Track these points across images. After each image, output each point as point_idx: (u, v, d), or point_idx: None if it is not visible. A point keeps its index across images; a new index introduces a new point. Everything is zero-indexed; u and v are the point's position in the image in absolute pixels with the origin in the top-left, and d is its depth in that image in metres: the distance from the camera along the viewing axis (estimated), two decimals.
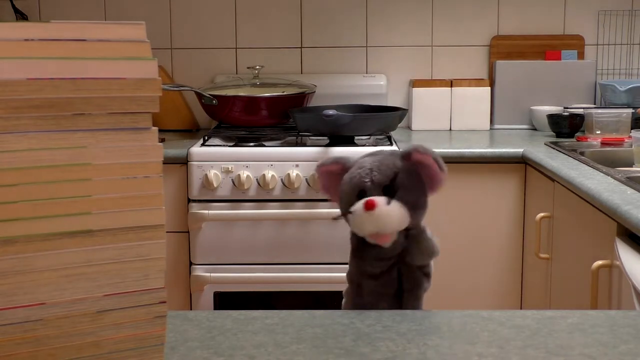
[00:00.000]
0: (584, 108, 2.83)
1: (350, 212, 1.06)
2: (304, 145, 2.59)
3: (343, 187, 1.10)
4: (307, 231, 2.50)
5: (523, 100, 3.09)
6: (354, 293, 1.13)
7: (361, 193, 1.07)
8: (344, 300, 1.17)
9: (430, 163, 1.07)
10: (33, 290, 0.70)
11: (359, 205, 1.05)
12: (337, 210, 1.14)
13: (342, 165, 1.13)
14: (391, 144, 2.57)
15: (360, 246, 1.10)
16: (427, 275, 1.12)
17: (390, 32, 3.16)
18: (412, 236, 1.08)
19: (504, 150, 2.55)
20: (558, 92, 3.08)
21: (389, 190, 1.06)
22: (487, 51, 3.17)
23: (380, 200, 1.04)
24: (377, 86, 3.11)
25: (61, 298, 0.71)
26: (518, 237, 2.58)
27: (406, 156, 1.09)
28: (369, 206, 1.04)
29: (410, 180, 1.08)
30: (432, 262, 1.13)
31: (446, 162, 1.10)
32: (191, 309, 2.53)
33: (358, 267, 1.11)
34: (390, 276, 1.09)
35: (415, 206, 1.07)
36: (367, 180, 1.07)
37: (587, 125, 2.70)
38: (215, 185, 2.45)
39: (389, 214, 1.04)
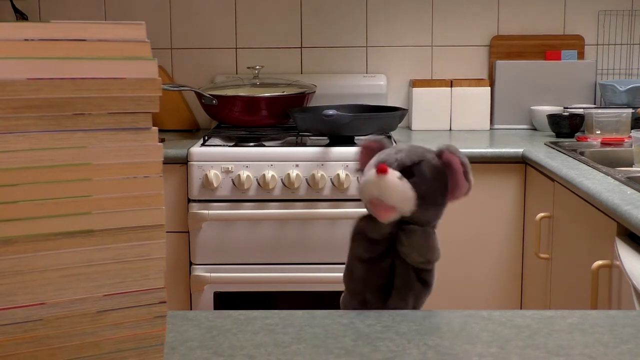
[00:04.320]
0: (584, 108, 2.83)
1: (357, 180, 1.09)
2: (304, 145, 2.59)
3: (371, 161, 1.11)
4: (307, 231, 2.50)
5: (523, 100, 3.09)
6: (347, 277, 1.13)
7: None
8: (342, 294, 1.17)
9: (456, 166, 1.07)
10: (33, 290, 0.70)
11: (372, 170, 1.07)
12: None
13: (381, 144, 1.14)
14: (390, 143, 2.56)
15: (358, 229, 1.10)
16: (425, 282, 1.09)
17: (390, 32, 3.16)
18: (410, 230, 1.07)
19: (504, 150, 2.55)
20: (558, 92, 3.08)
21: (407, 172, 1.07)
22: (487, 51, 3.17)
23: (392, 171, 1.06)
24: (377, 86, 3.11)
25: (61, 298, 0.71)
26: (518, 237, 2.58)
27: (439, 154, 1.09)
28: (380, 170, 1.05)
29: (432, 173, 1.07)
30: (435, 272, 1.11)
31: None
32: (191, 309, 2.53)
33: (351, 249, 1.12)
34: (379, 265, 1.08)
35: (426, 199, 1.06)
36: (392, 156, 1.09)
37: (587, 125, 2.70)
38: (215, 185, 2.45)
39: (395, 185, 1.05)
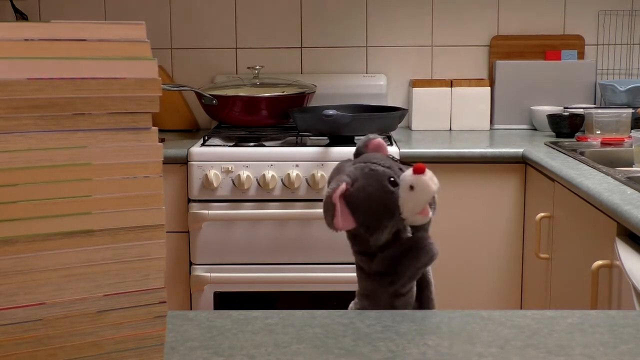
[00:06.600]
0: (584, 108, 2.83)
1: (411, 188, 1.04)
2: (304, 145, 2.59)
3: (369, 191, 1.06)
4: (307, 231, 2.50)
5: (523, 100, 3.09)
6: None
7: (391, 180, 1.07)
8: None
9: (382, 142, 1.15)
10: (33, 290, 0.70)
11: (409, 176, 1.05)
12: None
13: (351, 180, 1.08)
14: (391, 144, 2.57)
15: (390, 270, 1.08)
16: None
17: (390, 32, 3.16)
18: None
19: (504, 150, 2.55)
20: (558, 92, 3.08)
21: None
22: (487, 51, 3.17)
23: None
24: (377, 86, 3.11)
25: (61, 298, 0.71)
26: (518, 237, 2.58)
27: (363, 147, 1.14)
28: (421, 168, 1.04)
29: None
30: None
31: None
32: (191, 309, 2.53)
33: (389, 291, 1.08)
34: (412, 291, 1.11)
35: None
36: (388, 168, 1.08)
37: (587, 125, 2.70)
38: (215, 185, 2.45)
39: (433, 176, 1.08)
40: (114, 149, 0.72)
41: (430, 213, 1.07)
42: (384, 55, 3.17)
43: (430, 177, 1.04)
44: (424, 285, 1.12)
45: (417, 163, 1.06)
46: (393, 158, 1.12)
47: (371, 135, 1.14)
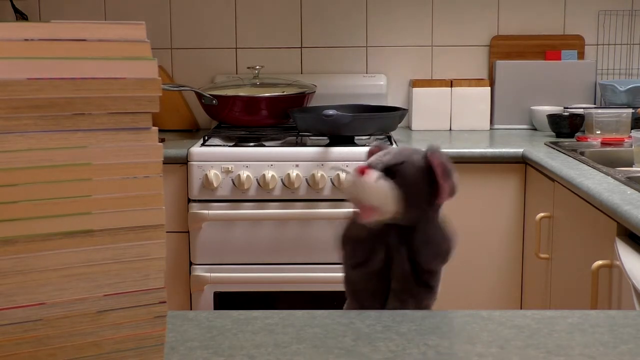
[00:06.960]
0: (584, 108, 2.83)
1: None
2: (304, 145, 2.59)
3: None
4: (307, 231, 2.50)
5: (523, 100, 3.09)
6: (344, 285, 1.14)
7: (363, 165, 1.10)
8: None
9: (435, 165, 1.07)
10: (33, 290, 0.70)
11: (351, 171, 1.09)
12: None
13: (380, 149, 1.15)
14: (391, 144, 2.57)
15: (347, 234, 1.11)
16: (427, 285, 1.08)
17: (390, 32, 3.16)
18: (418, 229, 1.07)
19: (504, 150, 2.55)
20: (558, 92, 3.08)
21: (390, 173, 1.06)
22: (487, 51, 3.17)
23: (372, 172, 1.06)
24: (377, 86, 3.11)
25: (61, 298, 0.71)
26: (518, 237, 2.58)
27: (425, 154, 1.09)
28: (360, 171, 1.06)
29: (414, 174, 1.07)
30: (440, 275, 1.11)
31: None
32: (191, 309, 2.53)
33: (342, 257, 1.13)
34: (370, 270, 1.08)
35: (408, 200, 1.05)
36: (380, 157, 1.09)
37: (587, 125, 2.70)
38: (215, 185, 2.45)
39: (372, 185, 1.05)
40: (114, 149, 0.72)
41: (372, 218, 1.06)
42: (384, 55, 3.17)
43: (354, 181, 1.05)
44: (400, 280, 1.09)
45: (363, 166, 1.07)
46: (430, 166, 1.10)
47: (432, 149, 1.09)
